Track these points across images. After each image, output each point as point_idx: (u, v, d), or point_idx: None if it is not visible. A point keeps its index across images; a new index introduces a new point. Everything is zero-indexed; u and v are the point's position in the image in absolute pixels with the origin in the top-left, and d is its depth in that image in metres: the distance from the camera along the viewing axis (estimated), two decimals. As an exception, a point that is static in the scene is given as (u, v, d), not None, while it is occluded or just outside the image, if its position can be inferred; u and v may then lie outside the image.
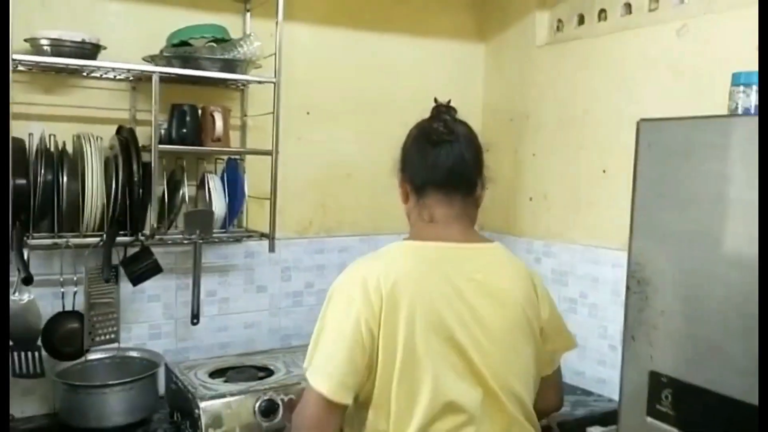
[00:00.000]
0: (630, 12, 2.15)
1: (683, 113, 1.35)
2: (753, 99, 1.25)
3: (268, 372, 1.97)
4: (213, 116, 2.00)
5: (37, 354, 1.80)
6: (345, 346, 1.26)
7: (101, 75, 1.96)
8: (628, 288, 1.31)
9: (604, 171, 2.19)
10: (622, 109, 2.11)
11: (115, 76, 1.98)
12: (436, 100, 1.45)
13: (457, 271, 1.32)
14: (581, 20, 2.33)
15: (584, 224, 2.29)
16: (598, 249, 2.22)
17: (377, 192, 2.53)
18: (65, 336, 1.85)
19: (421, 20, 2.57)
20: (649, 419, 1.28)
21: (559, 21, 2.41)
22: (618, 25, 2.18)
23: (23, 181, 1.72)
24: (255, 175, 2.15)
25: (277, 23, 1.99)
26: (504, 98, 2.62)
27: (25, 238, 1.75)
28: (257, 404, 1.75)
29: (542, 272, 2.42)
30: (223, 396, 1.75)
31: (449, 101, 1.46)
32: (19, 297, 1.77)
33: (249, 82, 2.09)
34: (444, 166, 1.38)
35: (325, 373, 1.27)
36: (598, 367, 2.23)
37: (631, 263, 1.29)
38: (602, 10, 2.25)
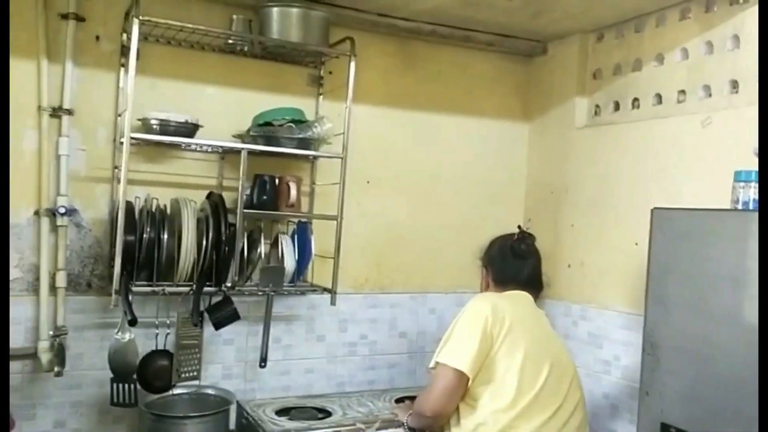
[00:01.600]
0: (660, 102, 2.39)
1: (705, 197, 1.57)
2: (751, 194, 1.47)
3: (326, 413, 2.20)
4: (288, 185, 2.31)
5: (133, 386, 2.08)
6: (474, 338, 1.79)
7: (196, 148, 2.30)
8: (643, 350, 1.52)
9: (636, 244, 2.39)
10: (652, 188, 2.33)
11: (207, 149, 2.32)
12: (519, 227, 2.13)
13: (531, 313, 2.00)
14: (617, 107, 2.58)
15: (618, 291, 2.48)
16: (631, 315, 2.40)
17: (426, 254, 2.79)
18: (156, 371, 2.14)
19: (471, 102, 2.86)
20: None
21: (597, 106, 2.67)
22: (649, 113, 2.42)
23: (132, 237, 2.04)
24: (320, 236, 2.42)
25: (346, 107, 2.30)
26: (545, 173, 2.88)
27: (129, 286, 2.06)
28: (318, 440, 1.99)
29: (579, 335, 2.63)
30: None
31: (528, 227, 2.20)
32: (122, 336, 2.08)
33: (320, 157, 2.40)
34: (524, 274, 2.05)
35: (456, 354, 1.79)
36: (629, 426, 2.38)
37: (646, 328, 1.51)
38: (635, 99, 2.50)
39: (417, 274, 2.79)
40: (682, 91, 2.31)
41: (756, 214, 1.42)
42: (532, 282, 2.06)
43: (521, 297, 2.02)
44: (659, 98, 2.40)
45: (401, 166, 2.74)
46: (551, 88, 2.86)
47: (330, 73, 2.52)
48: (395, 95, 2.71)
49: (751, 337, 1.33)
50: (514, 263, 2.05)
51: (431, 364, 1.88)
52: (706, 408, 1.40)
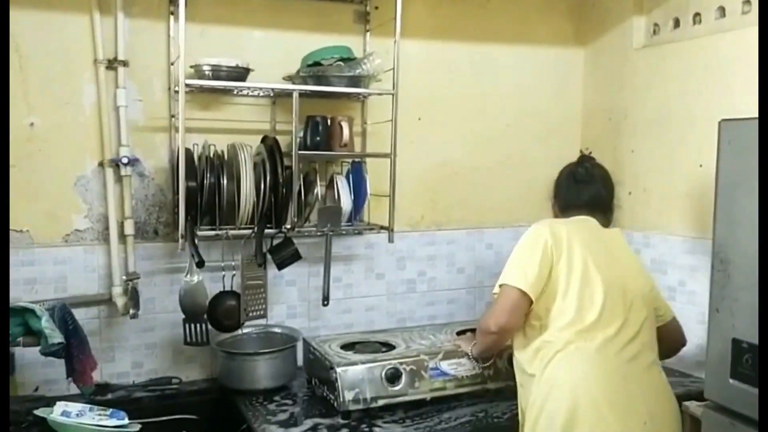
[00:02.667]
0: (724, 15, 2.27)
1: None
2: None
3: (390, 347, 2.24)
4: (341, 125, 2.31)
5: (203, 326, 2.17)
6: (534, 260, 1.83)
7: (248, 93, 2.32)
8: (712, 267, 1.49)
9: (700, 165, 2.31)
10: (716, 107, 2.24)
11: (259, 94, 2.34)
12: (581, 152, 2.20)
13: (597, 235, 1.97)
14: (677, 24, 2.46)
15: (682, 216, 2.42)
16: (696, 239, 2.35)
17: (481, 189, 2.77)
18: (225, 311, 2.22)
19: (522, 29, 2.78)
20: (732, 381, 1.45)
21: (656, 25, 2.56)
22: (712, 27, 2.30)
23: (193, 183, 2.09)
24: (375, 175, 2.42)
25: (395, 42, 2.26)
26: (603, 99, 2.79)
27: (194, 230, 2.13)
28: (384, 372, 2.03)
29: (642, 262, 2.57)
30: (355, 364, 2.04)
31: (590, 152, 2.21)
32: (190, 278, 2.16)
33: (371, 94, 2.38)
34: (585, 198, 2.03)
35: (518, 275, 1.83)
36: (696, 351, 2.35)
37: (715, 245, 1.47)
38: (697, 14, 2.37)
39: (472, 210, 2.77)
40: (747, 1, 2.18)
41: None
42: (594, 205, 2.03)
43: (582, 221, 1.99)
44: (722, 11, 2.28)
45: (453, 100, 2.70)
46: (606, 9, 2.74)
47: (376, 8, 2.48)
48: (444, 27, 2.65)
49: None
50: (575, 188, 2.05)
51: (495, 289, 1.91)
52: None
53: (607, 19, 2.74)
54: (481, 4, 2.70)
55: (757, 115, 1.43)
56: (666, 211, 2.50)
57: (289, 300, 2.50)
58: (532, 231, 1.93)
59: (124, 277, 2.19)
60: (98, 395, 2.11)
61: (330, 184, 2.41)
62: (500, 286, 1.88)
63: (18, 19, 2.07)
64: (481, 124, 2.75)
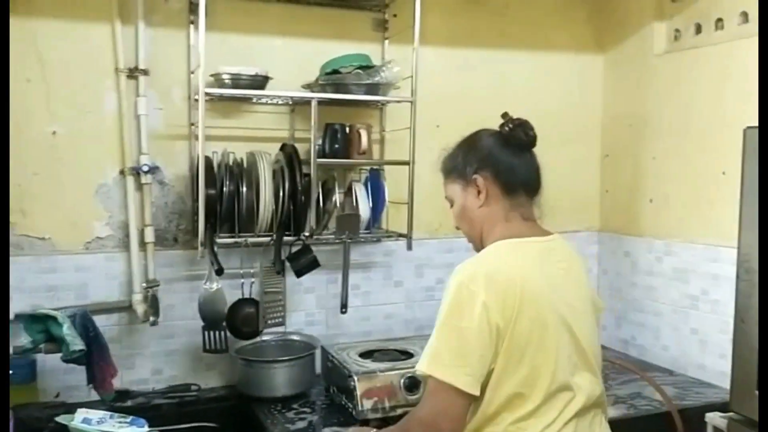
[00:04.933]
0: (747, 20, 2.24)
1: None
2: None
3: (408, 355, 2.23)
4: (359, 133, 2.32)
5: (223, 333, 2.18)
6: (473, 340, 1.35)
7: (267, 101, 2.33)
8: (737, 276, 1.46)
9: (723, 173, 2.28)
10: (739, 114, 2.20)
11: (278, 102, 2.35)
12: (506, 114, 1.58)
13: (549, 262, 1.49)
14: (698, 29, 2.44)
15: (704, 224, 2.38)
16: (719, 248, 2.31)
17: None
18: (244, 319, 2.23)
19: (541, 36, 2.76)
20: (758, 392, 1.42)
21: (677, 31, 2.53)
22: (734, 33, 2.27)
23: (213, 191, 2.10)
24: (393, 183, 2.42)
25: (414, 49, 2.26)
26: (623, 106, 2.76)
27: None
28: (402, 380, 2.02)
29: (663, 271, 2.55)
30: (374, 372, 2.04)
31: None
32: (210, 285, 2.17)
33: (390, 102, 2.38)
34: (533, 169, 1.56)
35: (456, 366, 1.35)
36: (719, 360, 2.31)
37: (740, 254, 1.45)
38: (719, 20, 2.35)
39: (491, 217, 2.75)
40: (772, 6, 2.15)
41: None
42: (540, 182, 1.58)
43: (529, 243, 1.50)
44: (745, 16, 2.25)
45: (471, 107, 2.68)
46: (626, 14, 2.72)
47: (394, 16, 2.48)
48: (462, 34, 2.64)
49: None
50: (521, 161, 1.54)
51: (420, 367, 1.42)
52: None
53: (627, 25, 2.72)
54: (499, 11, 2.69)
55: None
56: (688, 218, 2.47)
57: (308, 307, 2.50)
58: (460, 287, 1.39)
59: (144, 285, 2.21)
60: (118, 402, 2.12)
61: (348, 192, 2.41)
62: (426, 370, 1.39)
63: (41, 29, 2.10)
64: (500, 131, 2.73)
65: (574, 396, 1.43)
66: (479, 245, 1.57)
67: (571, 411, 1.42)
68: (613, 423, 2.02)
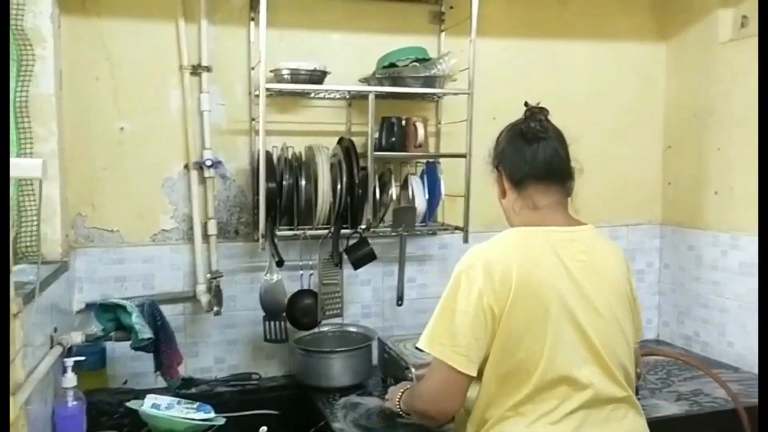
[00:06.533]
0: (821, 4, 2.15)
1: None
2: None
3: (465, 347, 2.23)
4: (415, 126, 2.32)
5: (283, 323, 2.23)
6: (468, 323, 1.43)
7: (324, 96, 2.36)
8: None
9: (793, 164, 2.20)
10: (812, 102, 2.12)
11: (335, 96, 2.37)
12: (527, 104, 1.63)
13: (566, 253, 1.48)
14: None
15: (773, 217, 2.30)
16: (789, 241, 2.23)
17: (559, 189, 2.71)
18: (303, 310, 2.27)
19: (602, 24, 2.71)
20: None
21: (744, 17, 2.44)
22: (808, 18, 2.18)
23: (273, 185, 2.15)
24: (449, 176, 2.42)
25: (471, 41, 2.24)
26: (687, 95, 2.68)
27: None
28: (459, 372, 2.03)
29: (729, 265, 2.48)
30: (430, 363, 2.04)
31: (539, 103, 1.63)
32: (270, 277, 2.22)
33: (446, 94, 2.38)
34: (542, 160, 1.56)
35: (451, 346, 1.44)
36: (789, 358, 2.24)
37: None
38: (790, 4, 2.25)
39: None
40: None
41: None
42: (553, 172, 1.57)
43: (539, 232, 1.53)
44: (819, 0, 2.15)
45: (529, 99, 2.64)
46: (690, 1, 2.64)
47: (451, 8, 2.47)
48: (521, 25, 2.62)
49: None
50: (527, 150, 1.56)
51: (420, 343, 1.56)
52: None
53: (690, 13, 2.64)
54: (559, 0, 2.64)
55: None
56: (754, 211, 2.38)
57: (364, 299, 2.53)
58: (461, 274, 1.49)
59: (207, 276, 2.27)
60: (183, 389, 2.19)
61: (404, 185, 2.42)
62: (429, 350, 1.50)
63: (108, 28, 2.18)
64: (560, 123, 2.62)
65: (580, 389, 1.44)
66: None
67: (576, 402, 1.44)
68: (676, 420, 2.02)
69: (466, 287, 1.45)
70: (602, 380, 1.46)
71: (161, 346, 1.98)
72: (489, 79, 2.49)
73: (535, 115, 1.59)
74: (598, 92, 2.72)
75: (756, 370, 2.36)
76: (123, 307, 1.91)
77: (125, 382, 2.26)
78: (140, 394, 1.99)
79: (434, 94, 2.35)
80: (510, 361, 1.45)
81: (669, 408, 2.07)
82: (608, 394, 1.47)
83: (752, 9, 2.39)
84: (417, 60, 2.29)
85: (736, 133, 2.45)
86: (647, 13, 2.76)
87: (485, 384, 1.49)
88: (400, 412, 1.80)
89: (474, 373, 1.46)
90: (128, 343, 1.91)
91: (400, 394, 1.81)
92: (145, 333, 1.87)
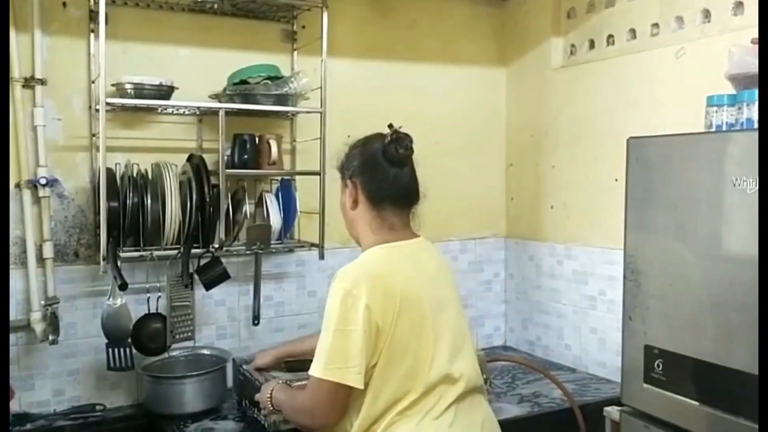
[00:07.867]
0: (635, 37, 2.40)
1: (681, 126, 1.61)
2: (724, 117, 1.50)
3: (322, 364, 2.24)
4: (269, 143, 2.31)
5: (128, 350, 2.11)
6: (359, 341, 1.43)
7: (173, 111, 2.29)
8: (624, 276, 1.56)
9: (616, 180, 2.41)
10: (629, 124, 2.35)
11: (184, 112, 2.31)
12: (391, 125, 1.64)
13: (422, 260, 1.62)
14: (592, 45, 2.59)
15: (600, 228, 2.52)
16: (614, 251, 2.44)
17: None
18: (150, 334, 2.17)
19: (448, 48, 2.85)
20: (646, 386, 1.52)
21: (572, 46, 2.68)
22: (624, 48, 2.43)
23: (115, 204, 2.05)
24: (305, 193, 2.43)
25: (322, 61, 2.28)
26: (524, 117, 2.89)
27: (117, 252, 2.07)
28: (315, 389, 2.02)
29: (564, 274, 2.68)
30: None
31: (401, 127, 1.66)
32: (113, 301, 2.10)
33: (299, 112, 2.39)
34: (403, 184, 1.63)
35: (347, 368, 1.44)
36: (616, 357, 2.42)
37: (626, 256, 1.55)
38: (610, 36, 2.50)
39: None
40: (656, 24, 2.32)
41: (730, 135, 1.45)
42: (411, 197, 1.65)
43: (400, 246, 1.60)
44: (633, 33, 2.41)
45: (382, 117, 2.67)
46: (527, 30, 2.85)
47: (303, 27, 2.50)
48: (371, 46, 2.69)
49: (728, 258, 1.38)
50: (391, 174, 1.60)
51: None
52: (684, 328, 1.45)
53: (527, 40, 2.85)
54: (407, 24, 2.76)
55: (660, 133, 1.52)
56: (585, 223, 2.60)
57: (219, 320, 2.46)
58: (341, 292, 1.47)
59: (42, 302, 2.11)
60: (17, 426, 2.02)
61: (259, 203, 2.40)
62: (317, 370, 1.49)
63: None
64: (409, 141, 2.79)
65: (454, 383, 1.54)
66: (358, 243, 1.70)
67: (452, 396, 1.53)
68: (517, 421, 2.14)
69: (353, 306, 1.46)
70: (469, 370, 1.58)
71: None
72: (341, 98, 2.53)
73: (402, 140, 1.61)
74: (445, 113, 2.85)
75: (591, 371, 2.56)
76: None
77: (-54, 424, 2.04)
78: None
79: (286, 111, 2.36)
80: (397, 371, 1.49)
81: (512, 410, 2.20)
82: (474, 384, 1.59)
83: (581, 38, 2.62)
84: (269, 78, 2.29)
85: (566, 153, 2.67)
86: (489, 39, 2.95)
87: (371, 396, 1.50)
88: (271, 408, 1.77)
89: (362, 386, 1.47)
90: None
91: (270, 390, 1.79)
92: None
